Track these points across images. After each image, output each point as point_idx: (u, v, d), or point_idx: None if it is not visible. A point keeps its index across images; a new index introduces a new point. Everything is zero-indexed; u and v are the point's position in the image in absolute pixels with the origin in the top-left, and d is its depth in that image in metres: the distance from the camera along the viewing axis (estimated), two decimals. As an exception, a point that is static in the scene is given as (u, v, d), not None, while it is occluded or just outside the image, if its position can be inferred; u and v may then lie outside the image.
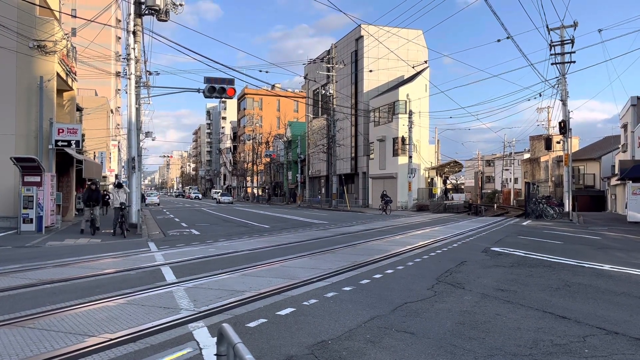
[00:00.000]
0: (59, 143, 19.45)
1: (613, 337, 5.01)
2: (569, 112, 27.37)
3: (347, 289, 7.23)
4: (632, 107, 30.17)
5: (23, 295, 6.91)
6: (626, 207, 27.43)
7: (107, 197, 18.31)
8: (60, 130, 19.51)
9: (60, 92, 22.72)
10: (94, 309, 6.03)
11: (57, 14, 22.41)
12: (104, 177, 45.94)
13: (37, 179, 16.77)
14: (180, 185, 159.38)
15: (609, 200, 40.81)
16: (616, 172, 33.44)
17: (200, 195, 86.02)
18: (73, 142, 19.79)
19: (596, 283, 8.00)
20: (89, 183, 18.88)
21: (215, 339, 3.62)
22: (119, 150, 56.73)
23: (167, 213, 33.21)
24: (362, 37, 45.77)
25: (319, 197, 53.00)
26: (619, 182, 32.96)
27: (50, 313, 5.80)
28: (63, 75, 21.31)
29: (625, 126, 32.98)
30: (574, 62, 26.74)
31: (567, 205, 27.77)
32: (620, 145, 35.69)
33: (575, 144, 50.58)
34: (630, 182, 26.02)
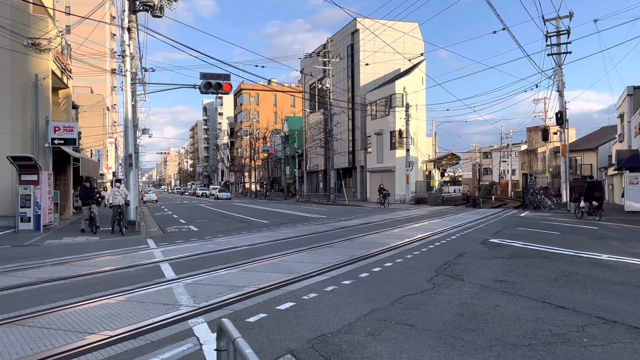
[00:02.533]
0: (56, 141, 19.39)
1: (612, 326, 5.03)
2: (565, 103, 27.41)
3: (347, 282, 7.24)
4: (628, 97, 30.22)
5: (22, 294, 6.91)
6: (623, 197, 27.51)
7: (97, 195, 18.19)
8: (57, 129, 19.45)
9: (55, 90, 22.62)
10: (93, 306, 6.03)
11: (50, 11, 22.27)
12: (102, 174, 45.89)
13: (34, 177, 16.72)
14: (179, 182, 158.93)
15: (606, 190, 40.91)
16: (613, 162, 33.52)
17: (207, 192, 78.63)
18: (69, 140, 19.73)
19: (594, 273, 8.03)
20: (84, 181, 18.86)
21: (215, 334, 3.62)
22: (115, 147, 56.61)
23: (165, 210, 33.19)
24: (357, 30, 45.64)
25: (329, 192, 52.84)
26: (616, 172, 33.05)
27: (50, 311, 5.79)
28: (58, 73, 21.22)
29: (621, 116, 33.03)
30: (570, 52, 26.79)
31: (565, 196, 27.84)
32: (617, 135, 35.78)
33: (572, 135, 50.62)
34: (627, 171, 26.08)
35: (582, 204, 22.10)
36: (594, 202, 21.19)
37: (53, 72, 20.18)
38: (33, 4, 19.87)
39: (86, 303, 6.19)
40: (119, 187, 16.87)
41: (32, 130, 19.03)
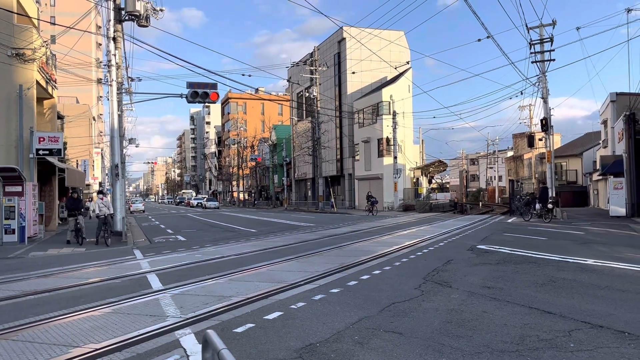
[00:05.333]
0: (40, 152, 19.20)
1: (598, 331, 5.06)
2: (550, 110, 27.69)
3: (335, 291, 7.23)
4: (611, 103, 30.62)
5: (6, 307, 6.80)
6: (608, 202, 27.83)
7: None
8: (41, 139, 19.26)
9: (40, 100, 22.43)
10: (78, 319, 5.95)
11: (35, 21, 22.13)
12: (87, 185, 45.43)
13: (19, 188, 16.52)
14: (166, 192, 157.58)
15: (591, 195, 41.36)
16: (597, 167, 33.88)
17: (203, 202, 68.29)
18: (54, 151, 19.55)
19: (580, 278, 8.10)
20: (71, 192, 18.68)
21: (201, 346, 3.59)
22: (102, 157, 56.16)
23: (153, 220, 32.93)
24: (344, 39, 45.89)
25: (317, 200, 52.76)
26: (600, 177, 33.43)
27: (34, 324, 5.70)
28: (43, 83, 21.05)
29: (605, 122, 33.46)
30: (554, 60, 27.05)
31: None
32: (600, 141, 36.22)
33: (557, 141, 51.22)
34: (612, 177, 26.40)
35: (537, 206, 24.17)
36: (548, 205, 23.19)
37: (38, 82, 20.02)
38: (17, 14, 19.74)
39: (71, 316, 6.10)
40: (102, 199, 16.74)
41: (17, 141, 18.82)
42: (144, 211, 50.55)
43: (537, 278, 8.08)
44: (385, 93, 41.63)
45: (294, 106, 58.88)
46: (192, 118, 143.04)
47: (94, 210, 17.04)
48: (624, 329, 5.13)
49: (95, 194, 46.11)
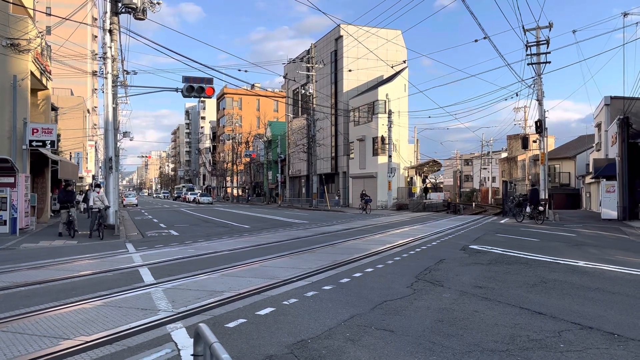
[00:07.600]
0: (34, 143, 19.08)
1: (588, 332, 5.10)
2: (544, 112, 27.79)
3: (327, 288, 7.23)
4: (605, 107, 30.78)
5: (-4, 298, 6.76)
6: (600, 205, 28.00)
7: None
8: (35, 130, 19.14)
9: (34, 91, 22.28)
10: (69, 311, 5.93)
11: (31, 11, 21.95)
12: (81, 177, 45.24)
13: (11, 179, 16.44)
14: (159, 186, 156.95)
15: (583, 198, 41.60)
16: (590, 170, 34.10)
17: (197, 197, 65.87)
18: (48, 142, 19.43)
19: (571, 279, 8.15)
20: (64, 184, 18.60)
21: (193, 339, 3.58)
22: (96, 150, 55.88)
23: (146, 214, 32.82)
24: (341, 37, 45.87)
25: (311, 197, 52.65)
26: (593, 180, 33.63)
27: (24, 316, 5.68)
28: (37, 74, 20.91)
29: (599, 125, 33.63)
30: (549, 62, 27.17)
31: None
32: (594, 144, 36.41)
33: (551, 143, 51.45)
34: (604, 180, 26.57)
35: (527, 208, 23.89)
36: (539, 208, 22.99)
37: (32, 73, 19.88)
38: (13, 4, 19.58)
39: (62, 308, 6.08)
40: (98, 192, 16.68)
41: (10, 132, 18.70)
42: (137, 205, 50.40)
43: (528, 279, 8.13)
44: (381, 92, 41.65)
45: (290, 103, 58.79)
46: (187, 113, 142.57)
47: (86, 204, 16.96)
48: (614, 330, 5.17)
49: (87, 187, 45.93)
